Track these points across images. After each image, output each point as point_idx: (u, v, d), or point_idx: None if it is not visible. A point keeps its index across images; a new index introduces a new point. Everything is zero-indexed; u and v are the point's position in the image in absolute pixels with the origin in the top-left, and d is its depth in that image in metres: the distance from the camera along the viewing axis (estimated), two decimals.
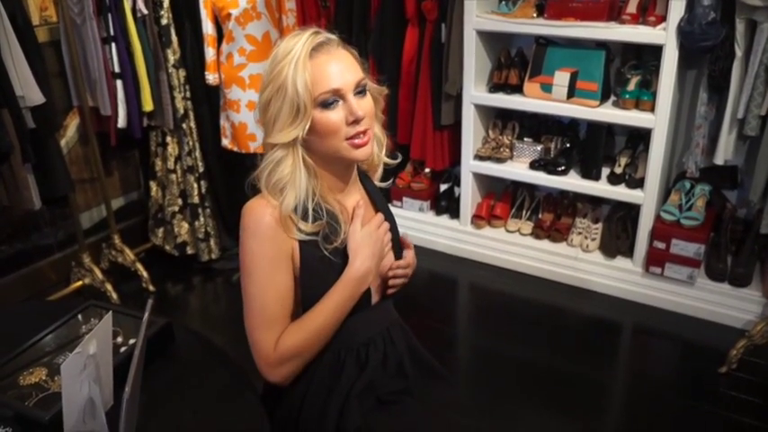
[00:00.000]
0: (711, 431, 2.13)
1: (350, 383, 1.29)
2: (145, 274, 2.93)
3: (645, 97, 2.65)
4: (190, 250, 3.11)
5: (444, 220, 3.33)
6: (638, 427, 2.16)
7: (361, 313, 1.30)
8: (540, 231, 3.09)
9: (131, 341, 1.30)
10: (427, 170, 3.34)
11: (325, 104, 1.17)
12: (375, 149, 1.31)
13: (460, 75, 2.96)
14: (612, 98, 2.82)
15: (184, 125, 2.95)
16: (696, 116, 2.62)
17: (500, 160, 3.07)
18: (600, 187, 2.85)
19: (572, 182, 2.91)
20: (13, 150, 2.31)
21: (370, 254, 1.26)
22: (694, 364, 2.46)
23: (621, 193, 2.79)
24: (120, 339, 1.31)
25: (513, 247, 3.10)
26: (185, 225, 3.08)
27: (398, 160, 1.41)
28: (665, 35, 2.46)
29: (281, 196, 1.20)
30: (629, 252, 2.86)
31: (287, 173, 1.20)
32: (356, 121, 1.18)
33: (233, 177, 3.09)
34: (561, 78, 2.77)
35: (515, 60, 3.03)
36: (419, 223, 3.33)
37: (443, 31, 2.97)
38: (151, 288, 2.93)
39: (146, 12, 2.71)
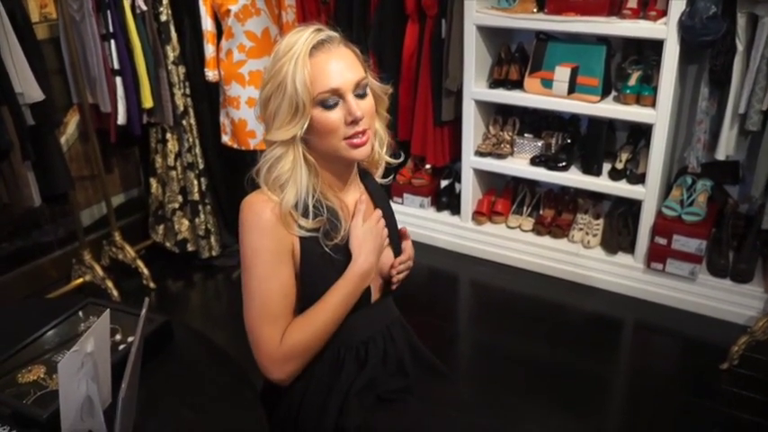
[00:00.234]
0: (712, 427, 2.13)
1: (349, 381, 1.29)
2: (145, 271, 2.93)
3: (646, 92, 2.64)
4: (190, 247, 3.11)
5: (445, 216, 3.32)
6: (639, 423, 2.16)
7: (361, 311, 1.29)
8: (541, 227, 3.08)
9: (130, 339, 1.30)
10: (428, 166, 3.34)
11: (325, 104, 1.17)
12: (376, 147, 1.31)
13: (461, 70, 2.95)
14: (613, 93, 2.81)
15: (184, 122, 2.95)
16: (697, 111, 2.61)
17: (501, 156, 3.06)
18: (601, 183, 2.84)
19: (573, 178, 2.90)
20: (13, 148, 2.31)
21: (372, 249, 1.26)
22: (696, 361, 2.46)
23: (622, 188, 2.78)
24: (118, 337, 1.31)
25: (514, 244, 3.09)
26: (186, 222, 3.07)
27: (400, 159, 1.41)
28: (665, 30, 2.44)
29: (281, 192, 1.20)
30: (630, 248, 2.85)
31: (287, 169, 1.20)
32: (355, 122, 1.18)
33: (233, 174, 3.08)
34: (562, 74, 2.76)
35: (516, 56, 3.02)
36: (420, 219, 3.32)
37: (443, 26, 2.96)
38: (152, 285, 2.93)
39: (145, 8, 2.71)
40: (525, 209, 3.19)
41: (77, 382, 1.01)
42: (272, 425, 1.31)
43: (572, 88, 2.76)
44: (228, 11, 2.71)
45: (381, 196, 1.39)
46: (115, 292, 2.78)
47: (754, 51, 2.33)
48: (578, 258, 2.93)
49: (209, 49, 2.82)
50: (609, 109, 2.72)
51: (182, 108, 2.93)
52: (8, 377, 1.19)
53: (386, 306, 1.38)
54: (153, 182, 3.07)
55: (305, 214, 1.21)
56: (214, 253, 3.13)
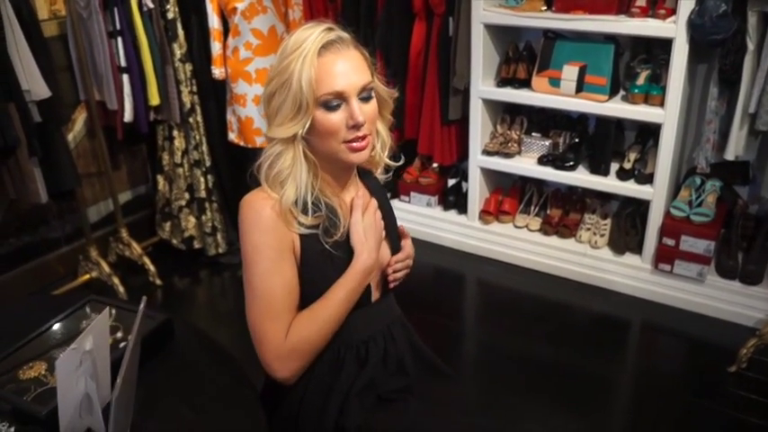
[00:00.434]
0: (718, 430, 2.11)
1: (350, 381, 1.28)
2: (152, 268, 2.94)
3: (654, 92, 2.62)
4: (197, 244, 3.11)
5: (452, 215, 3.31)
6: (644, 424, 2.14)
7: (362, 310, 1.29)
8: (548, 227, 3.06)
9: (131, 336, 1.29)
10: (435, 165, 3.33)
11: (327, 105, 1.16)
12: (377, 149, 1.30)
13: (468, 69, 2.94)
14: (621, 93, 2.78)
15: (191, 119, 2.95)
16: (707, 111, 2.58)
17: (508, 155, 3.04)
18: (609, 183, 2.82)
19: (580, 177, 2.88)
20: (20, 144, 2.32)
21: (374, 244, 1.26)
22: (703, 363, 2.43)
23: (631, 188, 2.76)
24: (120, 335, 1.31)
25: (520, 243, 3.08)
26: (192, 219, 3.08)
27: (400, 162, 1.40)
28: (674, 28, 2.42)
29: (280, 189, 1.19)
30: (637, 248, 2.83)
31: (287, 165, 1.20)
32: (356, 126, 1.17)
33: (240, 172, 3.06)
34: (570, 72, 2.74)
35: (523, 54, 3.00)
36: (426, 218, 3.31)
37: (451, 24, 2.94)
38: (158, 282, 2.94)
39: (152, 6, 2.71)
40: (532, 208, 3.17)
41: (76, 379, 1.00)
42: (273, 424, 1.31)
43: (580, 87, 2.74)
44: (235, 8, 2.71)
45: (381, 193, 1.39)
46: (121, 289, 2.78)
47: (764, 50, 2.30)
48: (585, 258, 2.91)
49: (216, 47, 2.82)
50: (617, 108, 2.70)
51: (188, 105, 2.93)
52: (9, 373, 1.19)
53: (386, 305, 1.37)
54: (160, 179, 3.08)
55: (304, 211, 1.20)
56: (220, 250, 3.14)
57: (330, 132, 1.17)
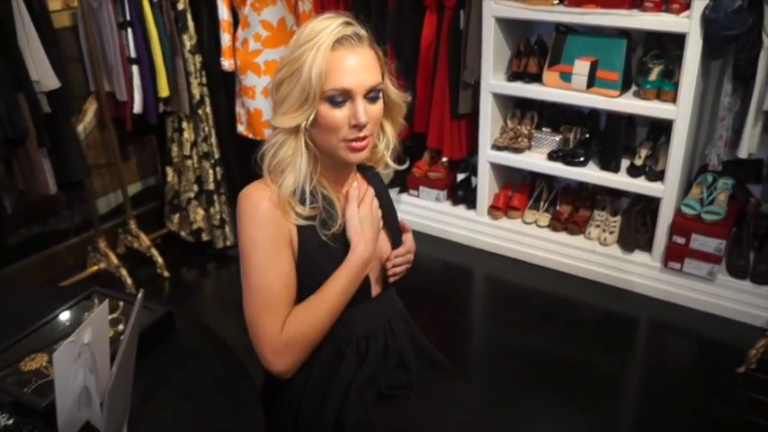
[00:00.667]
0: (726, 431, 2.08)
1: (350, 376, 1.28)
2: (160, 259, 2.95)
3: (667, 88, 2.58)
4: (205, 237, 3.12)
5: (461, 210, 3.29)
6: (650, 423, 2.13)
7: (362, 305, 1.28)
8: (557, 223, 3.04)
9: (127, 329, 1.29)
10: (444, 159, 3.31)
11: (333, 101, 1.15)
12: (380, 148, 1.29)
13: (479, 63, 2.92)
14: (633, 88, 2.75)
15: (200, 111, 2.95)
16: (720, 107, 2.55)
17: (518, 150, 3.02)
18: (619, 179, 2.79)
19: (591, 173, 2.85)
20: (29, 134, 2.32)
21: (371, 236, 1.25)
22: (711, 363, 2.41)
23: (641, 185, 2.73)
24: (122, 327, 1.31)
25: (529, 239, 3.05)
26: (201, 211, 3.08)
27: (405, 166, 1.39)
28: (688, 23, 2.38)
29: (281, 177, 1.19)
30: (647, 246, 2.80)
31: (289, 155, 1.19)
32: (358, 126, 1.16)
33: (249, 164, 3.06)
34: (581, 67, 2.71)
35: (535, 48, 2.97)
36: (435, 213, 3.30)
37: (462, 17, 2.92)
38: (166, 274, 2.95)
39: None
40: (542, 204, 3.15)
41: (74, 372, 1.00)
42: (273, 418, 1.31)
43: (591, 82, 2.71)
44: (245, 0, 2.70)
45: (380, 185, 1.38)
46: (129, 281, 2.80)
47: None
48: (594, 255, 2.88)
49: (225, 39, 2.82)
50: (629, 104, 2.67)
51: (198, 97, 2.93)
52: (12, 365, 1.19)
53: (387, 300, 1.36)
54: (169, 171, 3.08)
55: (302, 202, 1.20)
56: (228, 243, 3.14)
57: (332, 128, 1.16)
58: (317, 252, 1.22)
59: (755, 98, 2.38)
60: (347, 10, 3.14)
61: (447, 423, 1.28)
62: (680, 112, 2.51)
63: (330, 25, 1.14)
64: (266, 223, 1.18)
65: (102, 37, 2.72)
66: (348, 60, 1.14)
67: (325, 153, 1.22)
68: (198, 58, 2.90)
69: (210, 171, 3.03)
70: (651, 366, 2.47)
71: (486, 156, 3.08)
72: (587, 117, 3.04)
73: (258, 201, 1.18)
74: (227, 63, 2.84)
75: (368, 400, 1.27)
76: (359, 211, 1.25)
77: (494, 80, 2.94)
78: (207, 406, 1.16)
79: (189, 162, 3.01)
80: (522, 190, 3.20)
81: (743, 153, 2.47)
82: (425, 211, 3.31)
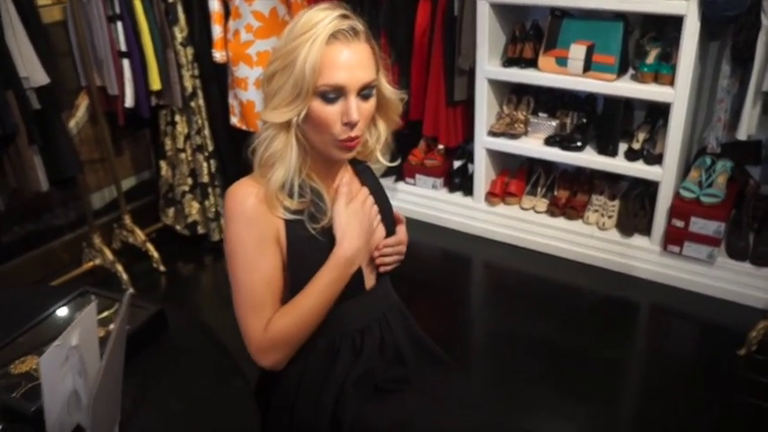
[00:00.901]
0: (728, 414, 2.08)
1: (345, 371, 1.26)
2: (155, 254, 2.93)
3: (664, 70, 2.55)
4: (200, 230, 3.10)
5: (458, 197, 3.27)
6: (653, 408, 2.12)
7: (355, 299, 1.26)
8: (555, 209, 3.02)
9: (113, 331, 1.28)
10: (440, 147, 3.28)
11: (325, 97, 1.12)
12: (371, 143, 1.27)
13: (474, 49, 2.88)
14: (630, 71, 2.72)
15: (193, 104, 2.92)
16: (718, 89, 2.52)
17: (514, 136, 2.99)
18: (617, 164, 2.77)
19: (588, 158, 2.83)
20: (18, 132, 2.30)
21: (358, 233, 1.22)
22: (712, 346, 2.40)
23: (639, 169, 2.71)
24: (112, 326, 1.29)
25: (527, 225, 3.03)
26: (196, 205, 3.06)
27: (396, 163, 1.37)
28: (686, 5, 2.35)
29: (270, 171, 1.17)
30: (646, 230, 2.78)
31: (279, 149, 1.17)
32: (349, 124, 1.13)
33: (243, 156, 3.05)
34: (577, 51, 2.68)
35: (530, 33, 2.93)
36: (432, 201, 3.28)
37: (456, 3, 2.88)
38: (162, 268, 2.93)
39: None
40: (539, 190, 3.13)
41: (62, 376, 0.99)
42: (268, 415, 1.30)
43: (588, 66, 2.68)
44: None
45: (372, 180, 1.36)
46: (125, 276, 2.77)
47: None
48: (593, 240, 2.87)
49: (217, 30, 2.78)
50: (626, 87, 2.64)
51: (190, 90, 2.90)
52: (1, 368, 1.18)
53: (382, 292, 1.34)
54: (163, 164, 3.06)
55: (290, 195, 1.18)
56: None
57: (323, 124, 1.14)
58: (307, 246, 1.20)
59: (754, 79, 2.35)
60: (341, 0, 3.12)
61: (445, 417, 1.26)
62: (678, 94, 2.48)
63: (326, 18, 1.11)
64: (250, 222, 1.16)
65: (91, 31, 2.68)
66: (343, 55, 1.11)
67: (315, 148, 1.20)
68: (190, 50, 2.87)
69: (204, 164, 3.01)
70: (652, 350, 2.46)
71: (483, 142, 3.05)
72: (584, 101, 3.01)
73: (244, 198, 1.17)
74: (218, 55, 2.81)
75: (364, 395, 1.26)
76: (348, 207, 1.22)
77: (489, 66, 2.91)
78: (200, 405, 1.15)
79: (182, 155, 2.99)
80: (519, 176, 3.18)
81: (742, 135, 2.45)
82: (422, 199, 3.28)
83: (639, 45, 2.73)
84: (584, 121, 2.92)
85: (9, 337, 1.24)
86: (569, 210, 2.99)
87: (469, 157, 3.27)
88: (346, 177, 1.28)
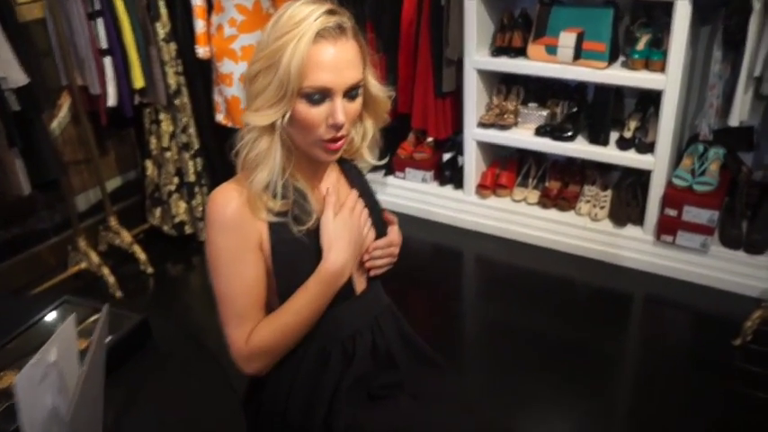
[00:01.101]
0: (723, 405, 2.06)
1: (337, 378, 1.23)
2: (143, 255, 2.87)
3: (655, 57, 2.52)
4: (188, 230, 3.05)
5: (448, 190, 3.24)
6: (648, 399, 2.10)
7: (346, 304, 1.23)
8: (546, 200, 2.99)
9: (109, 338, 1.24)
10: (430, 139, 3.24)
11: (310, 98, 1.08)
12: (356, 141, 1.24)
13: (461, 39, 2.84)
14: (621, 59, 2.69)
15: (178, 101, 2.87)
16: (710, 75, 2.49)
17: (504, 127, 2.95)
18: (608, 153, 2.74)
19: (579, 148, 2.80)
20: None
21: (346, 244, 1.18)
22: (707, 336, 2.38)
23: (631, 158, 2.68)
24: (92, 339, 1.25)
25: (519, 217, 3.01)
26: (182, 204, 3.01)
27: (384, 162, 1.33)
28: None
29: (254, 172, 1.13)
30: (639, 220, 2.76)
31: (264, 149, 1.13)
32: (335, 126, 1.09)
33: (229, 154, 3.00)
34: (567, 39, 2.64)
35: (519, 21, 2.89)
36: (422, 194, 3.24)
37: None
38: (149, 270, 2.88)
39: None
40: (531, 181, 3.10)
41: (41, 394, 0.95)
42: (258, 419, 1.27)
43: (578, 54, 2.64)
44: None
45: (359, 180, 1.32)
46: (112, 280, 2.72)
47: None
48: (586, 231, 2.84)
49: (200, 25, 2.72)
50: (616, 75, 2.61)
51: (174, 87, 2.84)
52: None
53: (373, 296, 1.30)
54: (148, 164, 3.00)
55: (275, 195, 1.15)
56: None
57: (308, 127, 1.10)
58: (292, 249, 1.16)
59: (746, 64, 2.32)
60: None
61: (439, 422, 1.23)
62: (669, 81, 2.45)
63: (312, 14, 1.06)
64: (230, 230, 1.13)
65: (72, 28, 2.62)
66: (330, 56, 1.07)
67: (299, 149, 1.16)
68: (173, 47, 2.81)
69: (191, 162, 2.96)
70: (647, 341, 2.44)
71: (472, 134, 3.01)
72: (574, 90, 2.98)
73: (224, 205, 1.13)
74: (202, 50, 2.75)
75: (356, 402, 1.23)
76: (336, 218, 1.18)
77: (477, 56, 2.87)
78: (186, 414, 1.12)
79: (168, 154, 2.93)
80: (509, 167, 3.14)
81: (734, 121, 2.42)
82: (412, 192, 3.25)
83: (630, 31, 2.70)
84: (575, 110, 2.89)
85: None
86: (561, 201, 2.96)
87: (459, 149, 3.24)
88: (333, 178, 1.25)
